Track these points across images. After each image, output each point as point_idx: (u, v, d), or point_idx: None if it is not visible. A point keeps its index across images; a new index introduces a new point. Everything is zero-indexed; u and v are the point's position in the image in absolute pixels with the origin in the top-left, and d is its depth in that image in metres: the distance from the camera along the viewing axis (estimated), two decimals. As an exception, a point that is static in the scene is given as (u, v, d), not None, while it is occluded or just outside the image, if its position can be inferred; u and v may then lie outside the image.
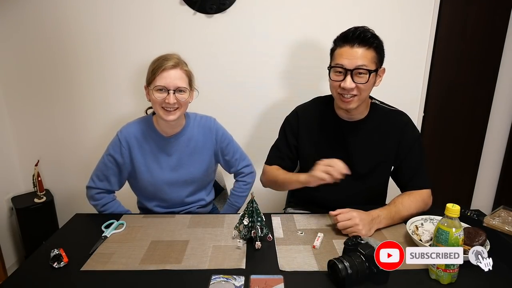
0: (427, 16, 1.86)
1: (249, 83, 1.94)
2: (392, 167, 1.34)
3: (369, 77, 1.14)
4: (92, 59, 1.90)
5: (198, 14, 1.82)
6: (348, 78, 1.14)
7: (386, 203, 1.27)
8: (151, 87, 1.22)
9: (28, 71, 1.92)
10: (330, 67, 1.21)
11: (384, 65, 1.21)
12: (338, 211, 1.11)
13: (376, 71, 1.17)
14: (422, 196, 1.23)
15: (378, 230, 1.12)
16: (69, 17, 1.83)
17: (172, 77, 1.21)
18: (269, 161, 1.42)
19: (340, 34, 1.19)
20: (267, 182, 1.40)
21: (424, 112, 2.09)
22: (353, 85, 1.14)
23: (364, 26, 1.16)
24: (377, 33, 1.17)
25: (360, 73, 1.14)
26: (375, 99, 1.33)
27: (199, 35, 1.86)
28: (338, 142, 1.29)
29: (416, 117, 2.02)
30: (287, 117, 1.41)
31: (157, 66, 1.21)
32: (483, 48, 2.13)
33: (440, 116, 2.23)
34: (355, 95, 1.17)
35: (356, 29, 1.15)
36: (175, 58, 1.24)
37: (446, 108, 2.22)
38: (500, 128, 2.31)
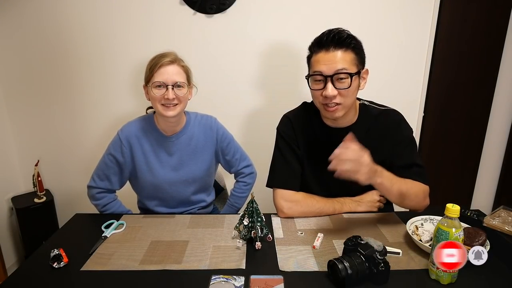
0: (427, 16, 1.87)
1: (249, 83, 1.94)
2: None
3: (351, 81, 1.07)
4: (92, 59, 1.90)
5: (198, 14, 1.82)
6: (329, 85, 1.07)
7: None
8: (150, 84, 1.23)
9: (28, 71, 1.92)
10: (308, 76, 1.14)
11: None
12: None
13: (358, 73, 1.10)
14: (421, 188, 1.16)
15: (377, 230, 1.12)
16: (69, 17, 1.83)
17: (170, 73, 1.21)
18: (284, 184, 1.23)
19: (314, 40, 1.12)
20: (296, 213, 1.21)
21: (424, 112, 2.09)
22: (335, 92, 1.07)
23: (339, 28, 1.09)
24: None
25: (341, 78, 1.07)
26: (363, 100, 1.26)
27: (199, 35, 1.86)
28: (330, 152, 1.18)
29: (416, 117, 2.02)
30: (280, 127, 1.30)
31: (155, 63, 1.22)
32: (483, 48, 2.13)
33: (440, 116, 2.23)
34: (339, 103, 1.09)
35: (330, 31, 1.08)
36: (172, 55, 1.25)
37: (446, 108, 2.22)
38: (500, 128, 2.31)
